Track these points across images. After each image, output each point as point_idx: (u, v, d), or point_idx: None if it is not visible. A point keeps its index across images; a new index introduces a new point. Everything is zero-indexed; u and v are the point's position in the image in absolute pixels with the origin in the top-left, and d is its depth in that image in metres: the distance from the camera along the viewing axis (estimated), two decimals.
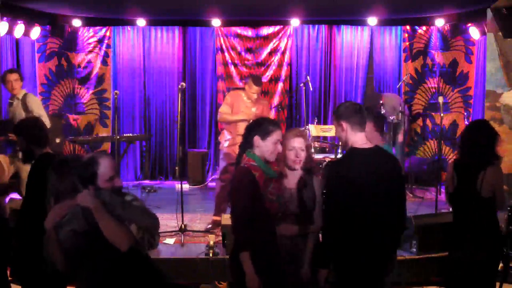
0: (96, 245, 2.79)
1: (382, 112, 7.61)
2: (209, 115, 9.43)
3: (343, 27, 9.24)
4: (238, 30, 9.24)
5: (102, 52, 9.15)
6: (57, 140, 6.77)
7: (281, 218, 3.37)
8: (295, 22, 8.92)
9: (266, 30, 9.25)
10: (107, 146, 8.99)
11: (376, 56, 9.25)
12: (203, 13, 8.62)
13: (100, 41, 9.14)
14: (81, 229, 2.80)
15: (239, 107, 6.02)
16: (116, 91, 7.39)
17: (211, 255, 5.09)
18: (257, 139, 3.27)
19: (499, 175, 3.72)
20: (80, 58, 9.11)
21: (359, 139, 3.21)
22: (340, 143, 3.44)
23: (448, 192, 3.91)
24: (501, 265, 4.54)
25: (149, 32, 9.28)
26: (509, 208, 4.75)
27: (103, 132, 9.12)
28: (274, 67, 9.28)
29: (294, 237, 3.40)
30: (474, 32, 8.25)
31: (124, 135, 8.74)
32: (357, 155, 3.17)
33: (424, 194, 7.69)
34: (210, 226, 6.16)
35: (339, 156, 6.83)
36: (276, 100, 9.19)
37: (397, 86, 8.93)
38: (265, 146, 3.26)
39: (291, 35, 9.26)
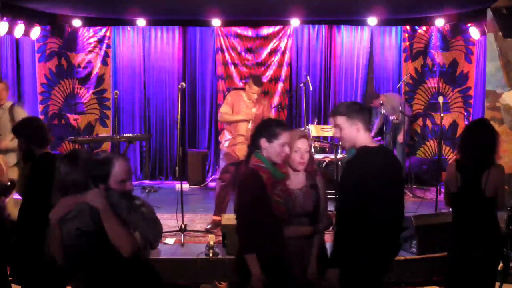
0: (98, 247, 2.77)
1: (382, 112, 7.61)
2: (209, 115, 9.43)
3: (343, 27, 9.24)
4: (238, 30, 9.24)
5: (102, 52, 9.16)
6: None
7: (287, 220, 3.35)
8: (295, 22, 8.92)
9: (266, 30, 9.25)
10: (107, 146, 8.99)
11: (376, 56, 9.25)
12: (203, 13, 8.62)
13: (100, 41, 9.14)
14: (85, 228, 2.78)
15: (239, 107, 6.02)
16: (116, 91, 7.39)
17: (211, 255, 5.09)
18: (263, 141, 3.26)
19: (503, 175, 3.73)
20: (80, 58, 9.11)
21: (368, 138, 3.25)
22: (341, 143, 3.40)
23: (448, 193, 3.90)
24: (501, 265, 4.54)
25: (149, 32, 9.28)
26: (509, 208, 4.75)
27: (103, 132, 9.12)
28: (274, 67, 9.28)
29: (299, 238, 3.37)
30: (474, 32, 8.25)
31: (124, 135, 8.74)
32: (371, 154, 3.18)
33: (424, 194, 7.69)
34: (210, 226, 6.16)
35: (340, 156, 6.83)
36: (276, 100, 9.19)
37: (397, 86, 8.93)
38: (272, 148, 3.25)
39: (291, 35, 9.26)
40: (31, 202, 3.89)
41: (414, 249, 5.22)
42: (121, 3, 7.90)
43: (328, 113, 9.27)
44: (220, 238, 5.42)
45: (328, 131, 7.68)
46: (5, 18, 7.34)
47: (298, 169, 3.42)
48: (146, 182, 9.12)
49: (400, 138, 8.21)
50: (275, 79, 9.29)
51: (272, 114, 6.69)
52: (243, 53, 9.26)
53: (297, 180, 3.42)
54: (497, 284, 4.46)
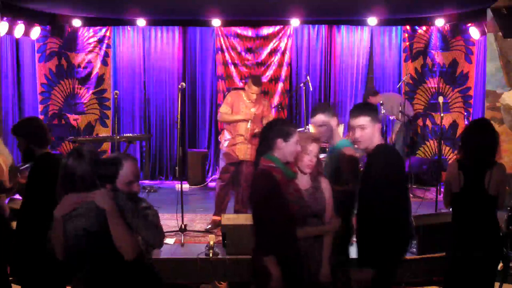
0: (101, 248, 2.76)
1: (382, 112, 7.61)
2: (209, 115, 9.43)
3: (343, 27, 9.24)
4: (238, 30, 9.25)
5: (102, 52, 9.16)
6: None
7: (301, 220, 3.33)
8: (295, 22, 8.92)
9: (266, 30, 9.26)
10: (107, 146, 9.00)
11: (376, 56, 9.25)
12: (203, 13, 8.62)
13: (100, 41, 9.14)
14: (90, 227, 2.77)
15: (239, 107, 6.02)
16: (116, 91, 7.39)
17: (211, 255, 5.09)
18: (280, 141, 3.22)
19: (505, 173, 3.74)
20: (80, 58, 9.12)
21: (381, 138, 3.40)
22: (358, 144, 3.42)
23: (448, 193, 3.89)
24: (501, 265, 4.54)
25: (149, 32, 9.29)
26: (509, 208, 4.75)
27: (103, 132, 9.12)
28: (274, 67, 9.28)
29: (308, 239, 3.35)
30: (474, 32, 8.25)
31: (124, 135, 8.74)
32: (392, 151, 3.32)
33: (424, 194, 7.69)
34: (210, 226, 6.16)
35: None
36: (276, 100, 9.19)
37: (397, 86, 8.93)
38: (288, 147, 3.23)
39: (291, 35, 9.27)
40: (31, 202, 3.88)
41: (414, 249, 5.22)
42: (121, 3, 7.90)
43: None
44: (220, 238, 5.42)
45: None
46: (5, 18, 7.34)
47: (305, 171, 3.41)
48: (146, 182, 9.12)
49: (400, 138, 8.20)
50: (275, 79, 9.29)
51: (272, 114, 6.69)
52: (243, 53, 9.26)
53: (303, 182, 3.42)
54: (497, 284, 4.46)
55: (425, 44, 9.05)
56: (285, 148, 3.23)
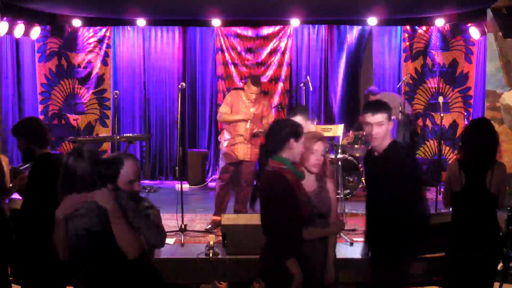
0: (102, 248, 2.76)
1: None
2: (209, 115, 9.44)
3: (343, 27, 9.24)
4: (238, 30, 9.25)
5: (102, 52, 9.16)
6: None
7: (311, 220, 3.29)
8: (295, 22, 8.92)
9: (266, 30, 9.26)
10: (107, 146, 9.00)
11: (376, 56, 9.25)
12: (203, 13, 8.62)
13: (100, 41, 9.14)
14: (91, 227, 2.77)
15: (238, 107, 6.02)
16: (116, 91, 7.39)
17: (211, 255, 5.09)
18: (292, 141, 3.17)
19: (506, 173, 3.74)
20: (80, 58, 9.12)
21: None
22: (374, 141, 3.40)
23: (448, 193, 3.89)
24: (501, 265, 4.54)
25: (149, 32, 9.29)
26: (509, 208, 4.75)
27: (103, 132, 9.12)
28: (274, 67, 9.28)
29: (313, 240, 3.32)
30: (474, 32, 8.25)
31: (124, 135, 8.74)
32: (404, 147, 3.32)
33: None
34: (210, 226, 6.16)
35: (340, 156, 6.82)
36: (276, 100, 9.19)
37: (397, 86, 8.93)
38: (298, 148, 3.20)
39: (291, 35, 9.27)
40: (32, 202, 3.88)
41: None
42: (121, 3, 7.90)
43: (328, 113, 9.28)
44: (220, 238, 5.42)
45: (328, 131, 7.67)
46: (5, 18, 7.34)
47: (312, 171, 3.38)
48: (146, 182, 9.11)
49: (400, 138, 8.20)
50: (275, 79, 9.29)
51: (272, 114, 6.69)
52: (243, 53, 9.27)
53: (309, 182, 3.37)
54: (497, 284, 4.46)
55: (425, 44, 9.05)
56: (296, 148, 3.19)
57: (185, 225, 5.86)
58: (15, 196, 4.58)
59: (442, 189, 5.03)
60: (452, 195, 3.82)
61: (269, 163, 3.20)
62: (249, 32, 9.27)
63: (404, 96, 8.95)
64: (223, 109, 6.08)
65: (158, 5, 8.02)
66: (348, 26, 9.21)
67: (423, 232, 3.30)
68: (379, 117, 3.34)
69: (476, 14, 7.85)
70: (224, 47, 9.26)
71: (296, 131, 3.20)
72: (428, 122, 9.08)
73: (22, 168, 4.37)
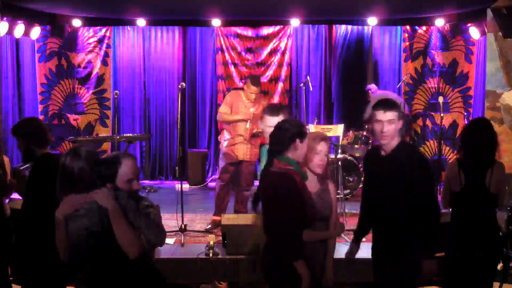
0: (103, 248, 2.76)
1: None
2: (209, 115, 9.44)
3: (343, 27, 9.24)
4: (238, 30, 9.25)
5: (102, 52, 9.16)
6: None
7: (313, 222, 3.27)
8: (295, 22, 8.92)
9: (266, 30, 9.26)
10: (107, 146, 9.00)
11: (376, 56, 9.25)
12: (203, 13, 8.63)
13: (100, 41, 9.15)
14: (92, 227, 2.77)
15: (238, 107, 6.02)
16: (116, 91, 7.39)
17: (211, 255, 5.09)
18: (298, 142, 3.14)
19: (505, 173, 3.75)
20: (80, 58, 9.12)
21: None
22: (384, 139, 3.34)
23: (448, 193, 3.89)
24: (501, 265, 4.54)
25: (149, 32, 9.29)
26: (509, 208, 4.75)
27: (103, 132, 9.12)
28: (274, 67, 9.29)
29: (313, 242, 3.29)
30: (474, 32, 8.25)
31: (124, 135, 8.74)
32: (414, 146, 3.36)
33: None
34: (210, 226, 6.16)
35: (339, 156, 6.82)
36: (276, 100, 9.20)
37: (397, 86, 8.93)
38: (303, 148, 3.17)
39: (291, 35, 9.27)
40: (32, 202, 3.88)
41: None
42: (121, 3, 7.91)
43: (328, 113, 9.28)
44: (220, 238, 5.42)
45: (328, 131, 7.68)
46: (5, 18, 7.34)
47: (316, 172, 3.35)
48: (146, 182, 9.12)
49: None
50: (275, 79, 9.29)
51: None
52: (243, 53, 9.27)
53: (311, 184, 3.34)
54: (497, 284, 4.46)
55: (425, 44, 9.05)
56: (300, 149, 3.16)
57: (185, 225, 5.86)
58: (15, 196, 4.58)
59: (441, 189, 5.03)
60: (452, 195, 3.82)
61: (274, 163, 3.16)
62: (249, 32, 9.27)
63: (404, 96, 8.96)
64: (223, 109, 6.08)
65: (158, 5, 8.02)
66: (348, 26, 9.21)
67: (435, 231, 3.30)
68: (391, 115, 3.29)
69: (476, 14, 7.85)
70: (224, 47, 9.26)
71: (302, 132, 3.17)
72: (428, 122, 9.08)
73: (22, 168, 4.37)
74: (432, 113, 9.00)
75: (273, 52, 9.27)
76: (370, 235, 3.64)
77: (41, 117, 8.78)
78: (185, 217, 6.08)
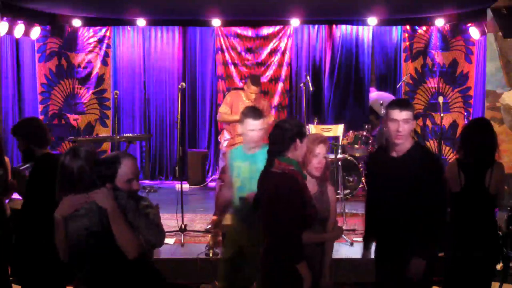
0: (103, 248, 2.76)
1: (383, 112, 7.61)
2: (209, 115, 9.44)
3: (343, 27, 9.24)
4: (238, 30, 9.25)
5: (102, 52, 9.16)
6: None
7: (314, 223, 3.26)
8: (295, 22, 8.92)
9: (266, 30, 9.26)
10: (107, 146, 8.99)
11: (376, 56, 9.25)
12: (203, 13, 8.62)
13: (100, 41, 9.14)
14: (92, 227, 2.77)
15: (238, 107, 6.02)
16: (116, 91, 7.39)
17: (211, 255, 5.09)
18: (298, 142, 3.14)
19: (504, 173, 3.75)
20: (80, 58, 9.11)
21: None
22: (399, 139, 3.31)
23: (448, 192, 3.89)
24: (501, 265, 4.55)
25: (149, 32, 9.29)
26: (509, 208, 4.76)
27: (103, 132, 9.12)
28: (274, 67, 9.28)
29: (311, 245, 3.28)
30: (474, 32, 8.24)
31: (124, 135, 8.74)
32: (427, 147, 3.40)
33: None
34: (210, 226, 6.15)
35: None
36: (276, 100, 9.20)
37: (397, 86, 8.93)
38: (302, 149, 3.17)
39: (291, 35, 9.26)
40: (32, 202, 3.89)
41: None
42: (121, 3, 7.91)
43: (328, 113, 9.28)
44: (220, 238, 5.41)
45: (328, 131, 7.68)
46: (5, 18, 7.34)
47: (314, 174, 3.34)
48: (146, 182, 9.12)
49: None
50: (275, 79, 9.29)
51: (272, 114, 6.69)
52: (243, 53, 9.27)
53: (310, 185, 3.30)
54: (497, 284, 4.46)
55: (425, 44, 9.04)
56: (300, 149, 3.16)
57: (185, 225, 5.86)
58: (15, 196, 4.58)
59: None
60: (451, 195, 3.82)
61: (275, 164, 3.14)
62: (249, 32, 9.27)
63: (404, 96, 8.95)
64: (223, 109, 6.08)
65: (158, 5, 8.02)
66: (348, 26, 9.21)
67: (439, 233, 3.32)
68: (406, 114, 3.27)
69: (476, 14, 7.84)
70: (224, 47, 9.26)
71: (302, 131, 3.17)
72: (428, 122, 9.08)
73: (22, 168, 4.37)
74: (432, 113, 9.00)
75: (273, 52, 9.27)
76: None
77: (41, 117, 8.78)
78: (185, 217, 6.09)
